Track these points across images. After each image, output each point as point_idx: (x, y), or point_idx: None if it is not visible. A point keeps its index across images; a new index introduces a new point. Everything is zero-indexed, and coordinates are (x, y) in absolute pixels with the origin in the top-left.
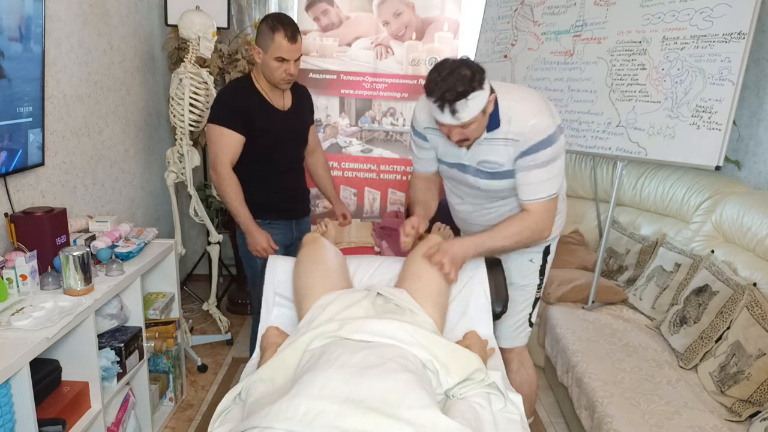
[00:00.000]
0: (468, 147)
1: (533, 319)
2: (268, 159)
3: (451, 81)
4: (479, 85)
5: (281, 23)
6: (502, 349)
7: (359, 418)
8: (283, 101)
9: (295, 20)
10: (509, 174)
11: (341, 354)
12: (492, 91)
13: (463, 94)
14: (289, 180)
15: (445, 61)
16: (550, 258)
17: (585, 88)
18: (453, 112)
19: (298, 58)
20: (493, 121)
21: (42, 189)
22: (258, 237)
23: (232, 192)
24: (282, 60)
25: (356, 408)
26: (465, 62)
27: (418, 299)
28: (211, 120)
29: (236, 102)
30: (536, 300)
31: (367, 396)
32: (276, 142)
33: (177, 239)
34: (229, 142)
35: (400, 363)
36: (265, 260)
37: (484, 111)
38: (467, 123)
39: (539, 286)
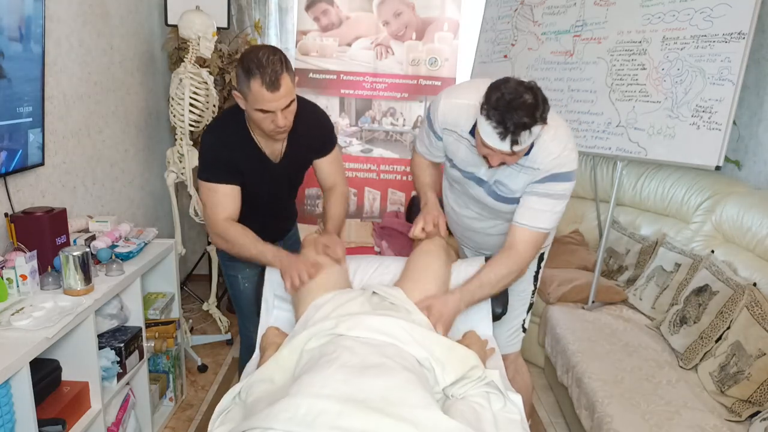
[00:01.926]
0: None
1: (526, 325)
2: (253, 203)
3: (515, 110)
4: (542, 120)
5: (258, 66)
6: None
7: (360, 418)
8: (275, 149)
9: (295, 21)
10: (517, 201)
11: (341, 354)
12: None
13: (528, 126)
14: (275, 217)
15: (507, 81)
16: (543, 264)
17: (585, 88)
18: (513, 143)
19: (289, 105)
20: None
21: (42, 189)
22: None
23: (239, 243)
24: (265, 111)
25: (357, 408)
26: (529, 87)
27: (416, 300)
28: (200, 176)
29: (223, 153)
30: (530, 305)
31: (368, 395)
32: (261, 193)
33: (177, 239)
34: (222, 200)
35: (399, 362)
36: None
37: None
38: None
39: (533, 292)
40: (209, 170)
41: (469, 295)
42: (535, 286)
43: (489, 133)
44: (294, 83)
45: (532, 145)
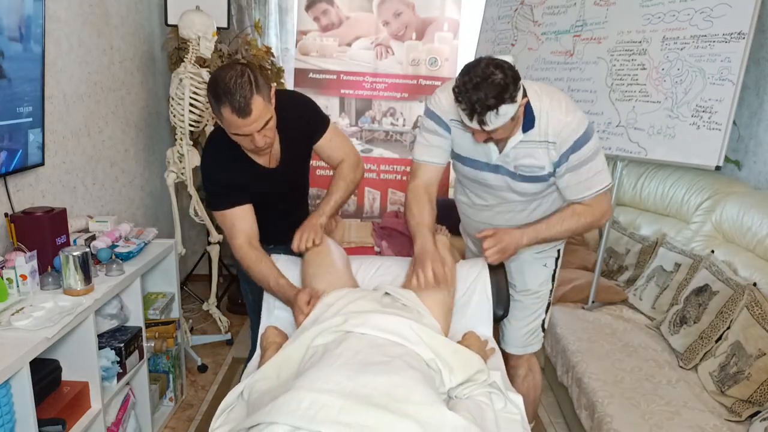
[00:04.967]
0: (500, 147)
1: (545, 324)
2: (262, 211)
3: (483, 91)
4: (511, 99)
5: (226, 92)
6: (512, 356)
7: (363, 413)
8: (268, 157)
9: (295, 21)
10: (547, 177)
11: (345, 351)
12: (524, 94)
13: (493, 107)
14: (287, 221)
15: (479, 63)
16: (559, 262)
17: (585, 88)
18: (481, 123)
19: (266, 124)
20: (527, 122)
21: (42, 189)
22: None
23: (255, 276)
24: (241, 135)
25: (360, 403)
26: (500, 66)
27: (425, 302)
28: (208, 206)
29: (220, 176)
30: (548, 305)
31: (372, 391)
32: (266, 202)
33: (177, 239)
34: (236, 223)
35: (405, 361)
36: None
37: (513, 118)
38: (492, 130)
39: (551, 291)
40: (214, 198)
41: (533, 232)
42: (553, 285)
43: (461, 113)
44: (270, 100)
45: (533, 119)
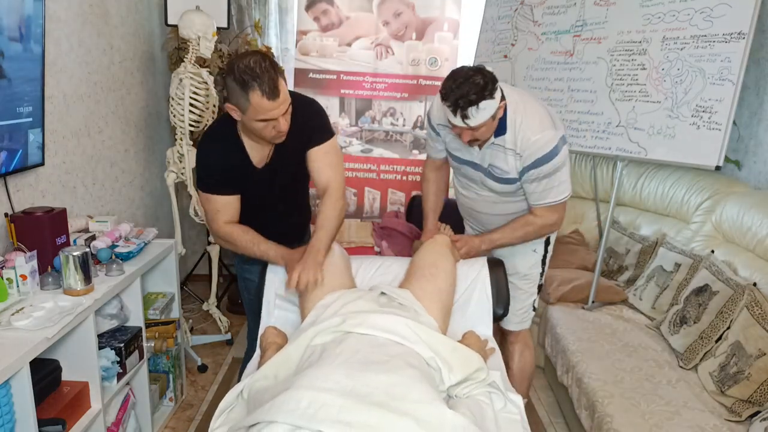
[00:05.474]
0: (480, 147)
1: (536, 305)
2: (256, 209)
3: (465, 89)
4: (490, 95)
5: (254, 76)
6: (509, 332)
7: (363, 412)
8: (262, 155)
9: (295, 21)
10: (514, 180)
11: (344, 350)
12: (503, 98)
13: (474, 102)
14: (288, 220)
15: (462, 69)
16: (550, 248)
17: (585, 88)
18: (464, 117)
19: (288, 109)
20: (500, 127)
21: (42, 189)
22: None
23: (240, 242)
24: (267, 120)
25: (360, 402)
26: (480, 70)
27: (423, 300)
28: (197, 186)
29: (215, 163)
30: (539, 287)
31: (372, 390)
32: (264, 203)
33: (177, 239)
34: (217, 207)
35: (405, 359)
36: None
37: (493, 117)
38: (476, 127)
39: (541, 274)
40: (204, 182)
41: (489, 243)
42: (543, 269)
43: (447, 111)
44: (286, 84)
45: (505, 125)
